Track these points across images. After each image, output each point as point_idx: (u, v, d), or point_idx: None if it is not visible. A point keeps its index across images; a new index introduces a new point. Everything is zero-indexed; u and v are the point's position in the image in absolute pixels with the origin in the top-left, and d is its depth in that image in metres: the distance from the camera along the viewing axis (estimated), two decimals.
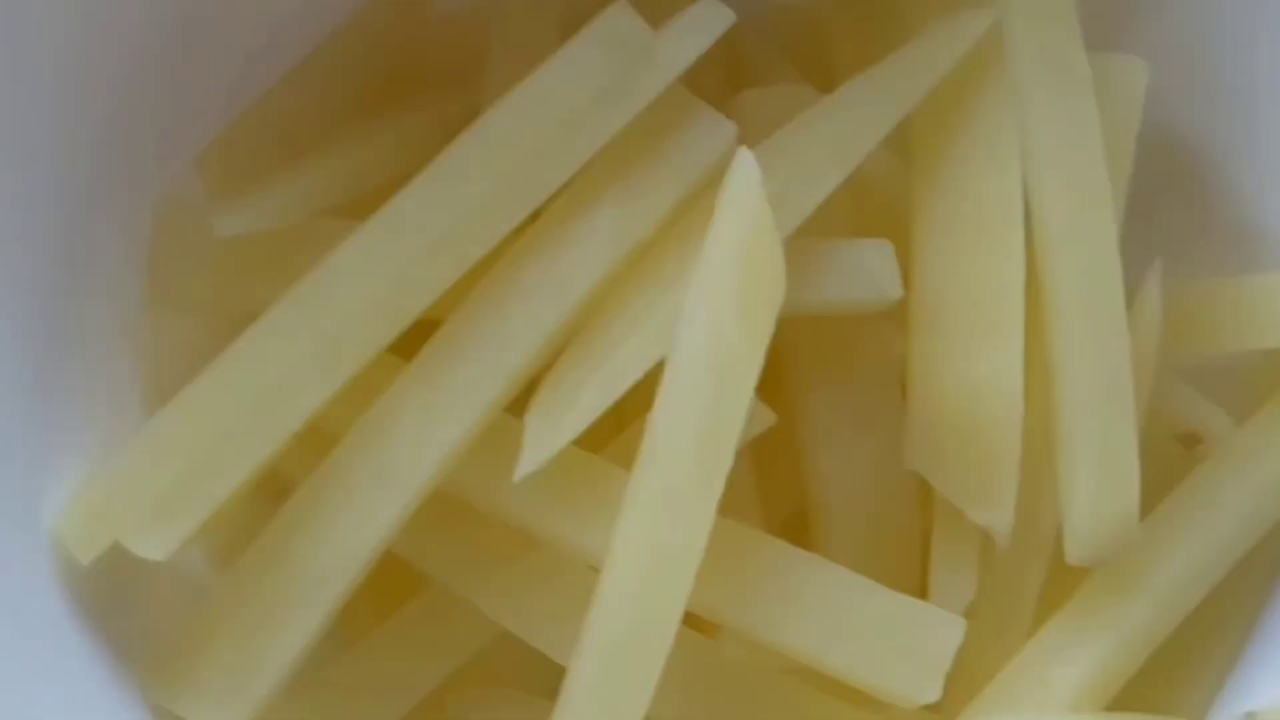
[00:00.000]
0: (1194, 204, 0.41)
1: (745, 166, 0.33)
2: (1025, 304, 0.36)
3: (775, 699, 0.35)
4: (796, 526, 0.38)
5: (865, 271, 0.36)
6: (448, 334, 0.34)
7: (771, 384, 0.38)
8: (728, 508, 0.35)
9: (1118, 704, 0.37)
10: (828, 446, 0.37)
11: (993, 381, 0.35)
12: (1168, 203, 0.41)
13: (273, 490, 0.35)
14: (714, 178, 0.35)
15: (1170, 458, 0.39)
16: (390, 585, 0.36)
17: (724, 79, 0.40)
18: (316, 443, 0.34)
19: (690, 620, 0.35)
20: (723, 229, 0.32)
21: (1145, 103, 0.38)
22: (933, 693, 0.34)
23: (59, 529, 0.33)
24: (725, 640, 0.35)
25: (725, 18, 0.35)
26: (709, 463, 0.32)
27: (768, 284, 0.33)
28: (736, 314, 0.32)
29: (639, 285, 0.35)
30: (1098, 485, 0.35)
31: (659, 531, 0.32)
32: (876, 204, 0.39)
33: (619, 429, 0.36)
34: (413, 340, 0.34)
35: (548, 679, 0.34)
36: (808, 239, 0.36)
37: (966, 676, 0.37)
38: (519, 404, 0.35)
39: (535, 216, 0.35)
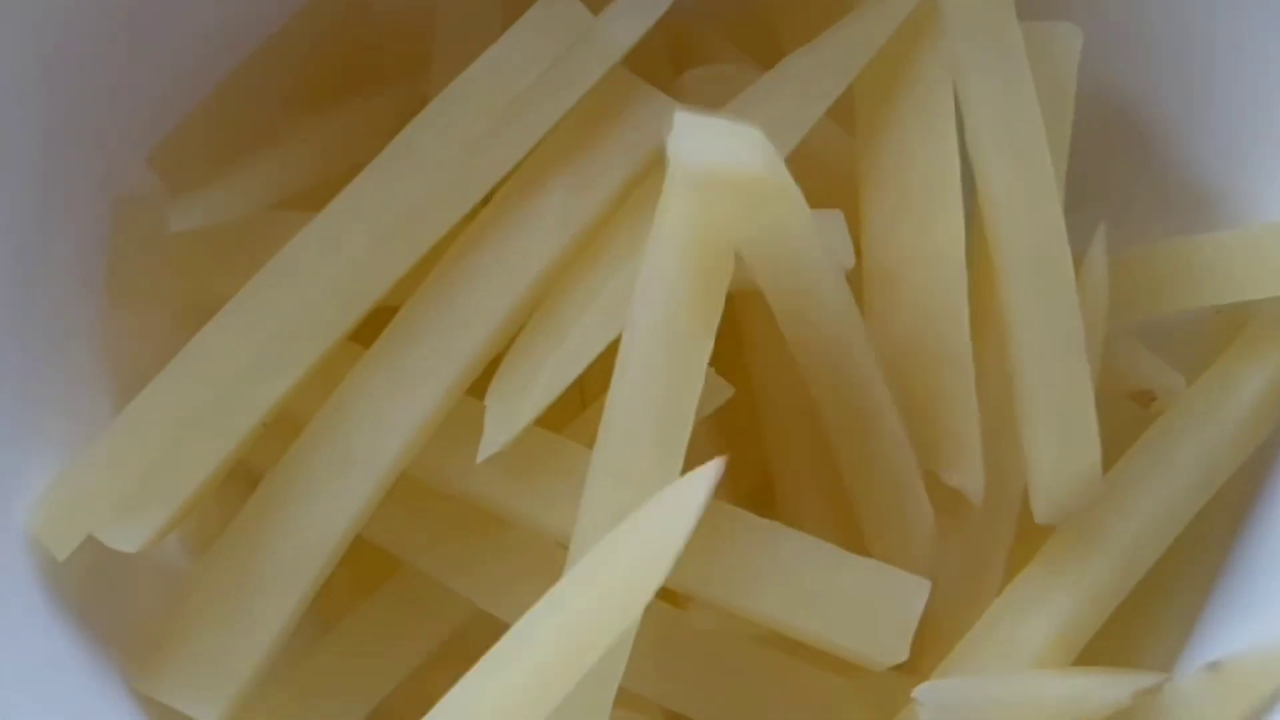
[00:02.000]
0: (1140, 167, 0.42)
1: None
2: (975, 269, 0.36)
3: (748, 666, 0.36)
4: (761, 497, 0.39)
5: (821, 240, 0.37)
6: (404, 319, 0.35)
7: (731, 355, 0.39)
8: None
9: (1084, 658, 0.37)
10: (788, 415, 0.38)
11: (942, 348, 0.36)
12: (1114, 166, 0.42)
13: (247, 480, 0.36)
14: (659, 157, 0.36)
15: (1127, 416, 0.39)
16: (366, 568, 0.37)
17: (668, 62, 0.40)
18: (285, 432, 0.35)
19: (660, 592, 0.36)
20: (672, 209, 0.33)
21: (1087, 68, 0.38)
22: (900, 654, 0.34)
23: (34, 527, 0.34)
24: (695, 611, 0.35)
25: (664, 0, 0.36)
26: (666, 442, 0.33)
27: (717, 263, 0.33)
28: (687, 294, 0.33)
29: (591, 264, 0.35)
30: (1059, 444, 0.35)
31: (620, 512, 0.32)
32: (824, 177, 0.39)
33: (581, 407, 0.37)
34: (372, 328, 0.35)
35: None
36: None
37: (938, 636, 0.37)
38: (481, 386, 0.35)
39: (486, 201, 0.35)
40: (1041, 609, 0.36)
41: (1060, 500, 0.35)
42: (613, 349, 0.34)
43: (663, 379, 0.33)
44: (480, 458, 0.34)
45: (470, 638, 0.37)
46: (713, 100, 0.37)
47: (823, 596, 0.34)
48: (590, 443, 0.35)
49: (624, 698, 0.35)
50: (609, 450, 0.33)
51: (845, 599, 0.34)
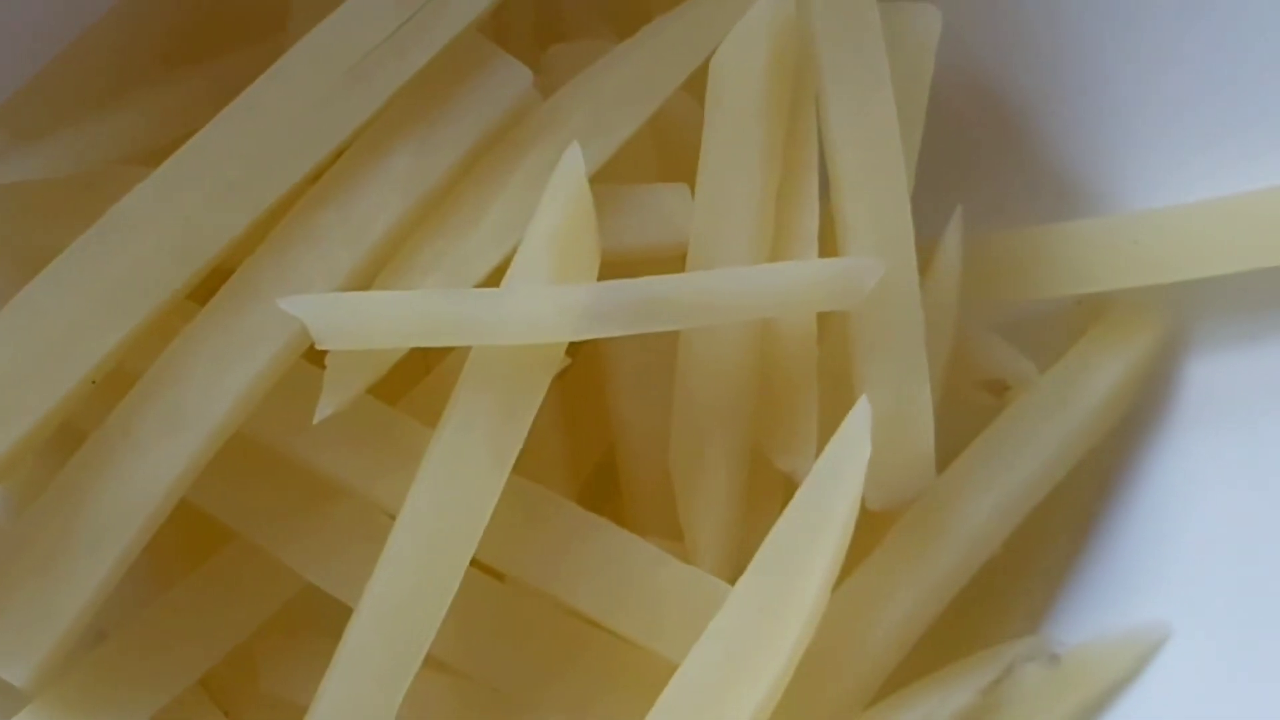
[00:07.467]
0: (1003, 152, 0.42)
1: (573, 161, 0.34)
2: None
3: (558, 636, 0.36)
4: (606, 470, 0.38)
5: (664, 214, 0.36)
6: (240, 278, 0.34)
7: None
8: (533, 465, 0.36)
9: (932, 639, 0.37)
10: (633, 393, 0.37)
11: (786, 329, 0.36)
12: (977, 151, 0.41)
13: (73, 439, 0.35)
14: (510, 123, 0.36)
15: (981, 405, 0.39)
16: (200, 535, 0.36)
17: (536, 36, 0.40)
18: (115, 390, 0.34)
19: (477, 564, 0.35)
20: (543, 218, 0.33)
21: (951, 50, 0.38)
22: None
23: None
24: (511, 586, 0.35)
25: None
26: (499, 447, 0.33)
27: (580, 273, 0.33)
28: None
29: (435, 229, 0.35)
30: (892, 431, 0.35)
31: (450, 496, 0.33)
32: (679, 148, 0.39)
33: (425, 372, 0.37)
34: (215, 290, 0.34)
35: None
36: (608, 185, 0.36)
37: None
38: (319, 352, 0.35)
39: (333, 162, 0.35)
40: (883, 599, 0.36)
41: (891, 487, 0.35)
42: None
43: (505, 383, 0.33)
44: (316, 419, 0.33)
45: (304, 607, 0.37)
46: (571, 74, 0.37)
47: (633, 595, 0.34)
48: (422, 416, 0.35)
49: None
50: (444, 447, 0.33)
51: (654, 600, 0.34)
